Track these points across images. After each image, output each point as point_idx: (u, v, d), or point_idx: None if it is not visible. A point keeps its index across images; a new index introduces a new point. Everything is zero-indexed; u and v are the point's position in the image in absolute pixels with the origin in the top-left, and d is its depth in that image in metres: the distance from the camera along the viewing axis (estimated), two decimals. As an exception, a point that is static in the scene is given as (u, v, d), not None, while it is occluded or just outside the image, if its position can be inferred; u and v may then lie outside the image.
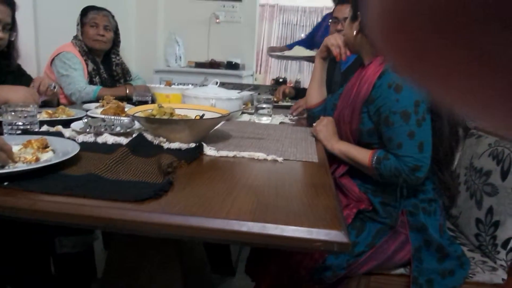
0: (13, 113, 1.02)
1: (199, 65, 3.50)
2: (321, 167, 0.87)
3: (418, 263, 1.05)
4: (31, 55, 2.11)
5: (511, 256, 1.10)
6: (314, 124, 1.24)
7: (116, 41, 2.10)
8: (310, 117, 1.45)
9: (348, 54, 1.30)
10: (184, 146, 0.93)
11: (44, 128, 1.10)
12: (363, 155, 1.07)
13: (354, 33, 1.16)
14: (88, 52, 1.97)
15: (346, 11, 1.72)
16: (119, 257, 1.01)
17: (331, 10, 2.24)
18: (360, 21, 1.13)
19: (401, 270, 1.11)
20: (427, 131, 0.99)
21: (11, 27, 1.42)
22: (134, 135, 0.99)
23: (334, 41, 1.30)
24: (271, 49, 2.74)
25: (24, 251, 1.33)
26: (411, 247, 1.06)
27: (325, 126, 1.19)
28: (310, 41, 2.64)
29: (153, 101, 1.65)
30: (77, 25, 1.96)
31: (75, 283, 1.49)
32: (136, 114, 1.00)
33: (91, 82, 1.95)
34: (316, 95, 1.40)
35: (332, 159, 1.15)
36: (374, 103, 1.04)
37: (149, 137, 0.96)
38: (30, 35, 2.10)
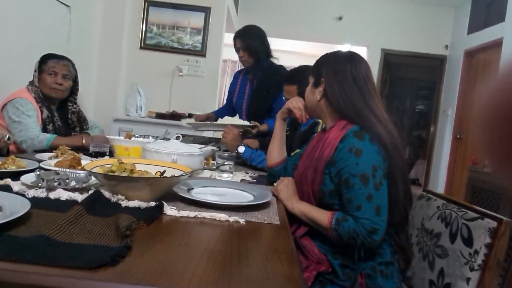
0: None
1: (160, 116, 3.48)
2: (282, 229, 0.87)
3: (376, 328, 1.05)
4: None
5: (463, 320, 1.12)
6: (275, 184, 1.26)
7: (74, 89, 2.07)
8: (270, 175, 1.47)
9: (308, 117, 1.36)
10: (143, 204, 0.90)
11: (-10, 180, 1.02)
12: (322, 216, 1.09)
13: (318, 98, 1.21)
14: (43, 99, 1.92)
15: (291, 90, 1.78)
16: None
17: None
18: (324, 88, 1.19)
19: (359, 336, 1.10)
20: (383, 196, 1.04)
21: None
22: (90, 192, 0.94)
23: (296, 104, 1.36)
24: (197, 120, 2.41)
25: None
26: (369, 311, 1.06)
27: (286, 186, 1.20)
28: (231, 106, 2.53)
29: (110, 152, 1.60)
30: (35, 71, 1.92)
31: None
32: (94, 170, 0.96)
33: (44, 130, 1.88)
34: (277, 154, 1.43)
35: (293, 219, 1.16)
36: (336, 165, 1.08)
37: (106, 194, 0.92)
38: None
